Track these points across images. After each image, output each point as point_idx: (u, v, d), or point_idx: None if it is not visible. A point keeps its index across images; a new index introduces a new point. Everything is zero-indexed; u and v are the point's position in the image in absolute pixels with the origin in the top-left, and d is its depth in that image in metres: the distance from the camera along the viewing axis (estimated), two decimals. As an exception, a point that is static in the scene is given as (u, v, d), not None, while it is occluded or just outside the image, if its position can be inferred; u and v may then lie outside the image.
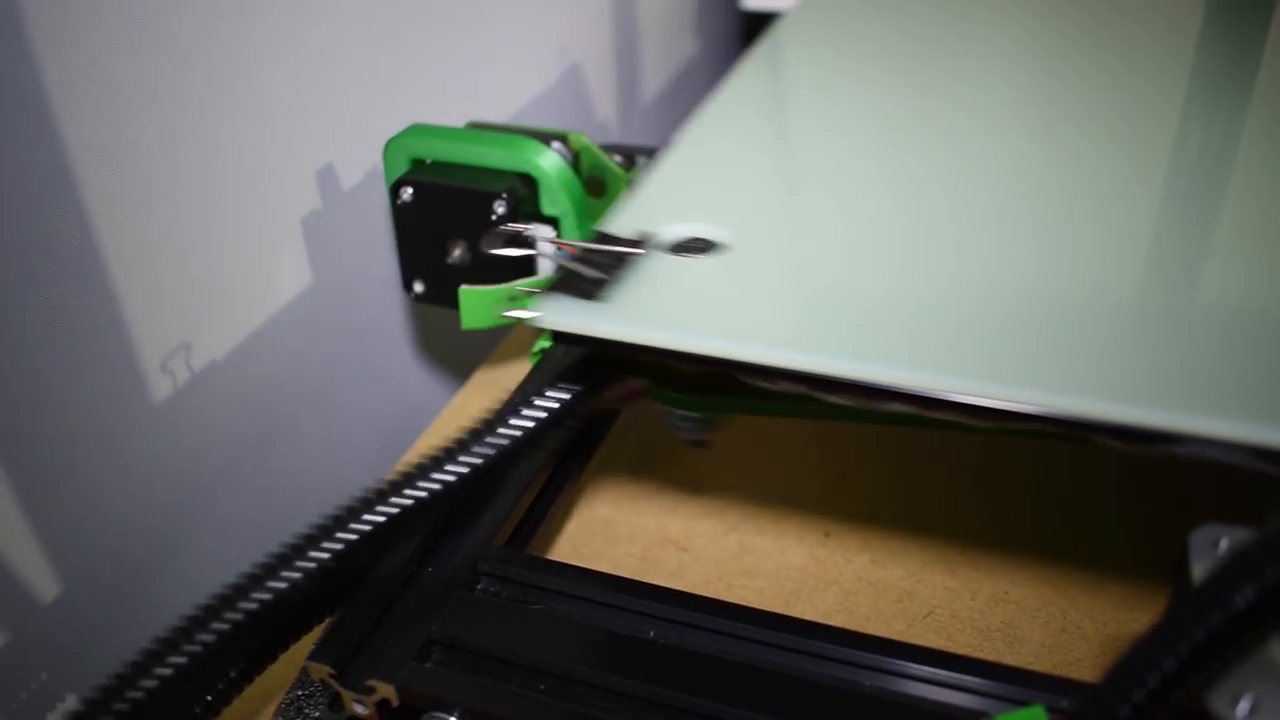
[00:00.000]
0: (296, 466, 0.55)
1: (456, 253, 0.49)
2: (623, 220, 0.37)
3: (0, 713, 0.40)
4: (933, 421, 0.31)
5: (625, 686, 0.32)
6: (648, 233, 0.36)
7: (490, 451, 0.33)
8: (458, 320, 0.48)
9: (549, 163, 0.48)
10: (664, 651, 0.34)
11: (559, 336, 0.33)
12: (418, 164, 0.50)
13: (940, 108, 0.47)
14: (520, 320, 0.33)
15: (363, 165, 0.56)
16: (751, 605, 0.35)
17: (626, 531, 0.46)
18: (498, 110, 0.66)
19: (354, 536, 0.32)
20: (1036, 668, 0.37)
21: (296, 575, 0.32)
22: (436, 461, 0.33)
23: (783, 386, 0.31)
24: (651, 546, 0.45)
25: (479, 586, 0.37)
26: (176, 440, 0.47)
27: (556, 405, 0.35)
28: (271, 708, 0.39)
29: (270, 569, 0.32)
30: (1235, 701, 0.24)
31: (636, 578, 0.37)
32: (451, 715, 0.32)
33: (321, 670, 0.33)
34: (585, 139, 0.51)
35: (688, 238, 0.36)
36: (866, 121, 0.46)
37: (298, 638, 0.34)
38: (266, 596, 0.31)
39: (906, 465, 0.49)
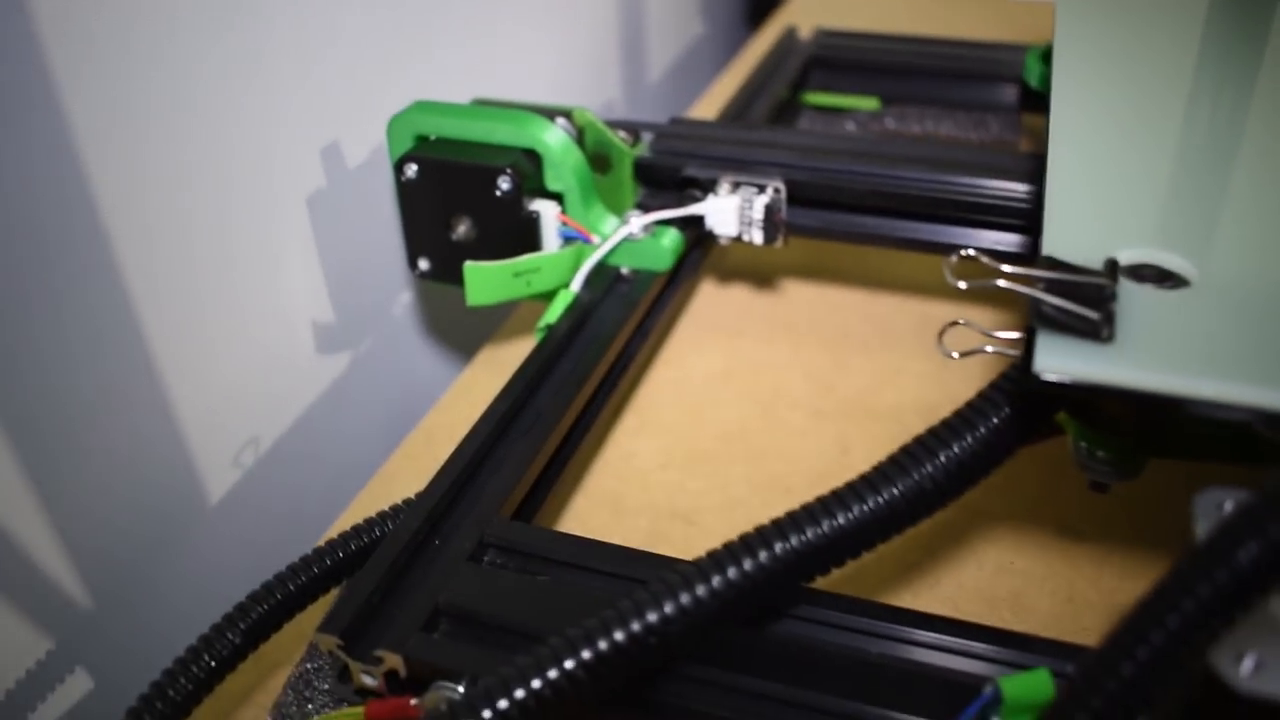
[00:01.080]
0: (304, 444, 0.55)
1: (461, 229, 0.49)
2: (1062, 243, 0.32)
3: (12, 686, 0.41)
4: None
5: (632, 655, 0.33)
6: (1107, 259, 0.31)
7: (919, 486, 0.31)
8: (463, 297, 0.48)
9: (553, 138, 0.48)
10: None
11: (1054, 385, 0.28)
12: (422, 141, 0.50)
13: None
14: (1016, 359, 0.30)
15: (368, 143, 0.56)
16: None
17: (633, 505, 0.46)
18: (503, 87, 0.66)
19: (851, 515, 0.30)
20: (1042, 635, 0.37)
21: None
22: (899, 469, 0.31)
23: None
24: (658, 520, 0.45)
25: (486, 558, 0.37)
26: (184, 420, 0.47)
27: (992, 445, 0.31)
28: (280, 681, 0.40)
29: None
30: (1239, 660, 0.24)
31: (641, 549, 0.37)
32: (459, 686, 0.33)
33: (330, 642, 0.33)
34: (590, 114, 0.51)
35: (1140, 264, 0.32)
36: (1227, 94, 0.41)
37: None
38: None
39: (911, 437, 0.49)
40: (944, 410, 0.50)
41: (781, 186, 0.50)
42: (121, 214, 0.42)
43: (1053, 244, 0.32)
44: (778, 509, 0.45)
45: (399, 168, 0.49)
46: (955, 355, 0.33)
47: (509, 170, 0.47)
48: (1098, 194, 0.35)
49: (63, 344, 0.40)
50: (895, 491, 0.31)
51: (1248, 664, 0.24)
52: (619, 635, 0.28)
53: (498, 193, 0.47)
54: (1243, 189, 0.35)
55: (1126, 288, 0.30)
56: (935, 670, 0.32)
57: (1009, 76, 0.70)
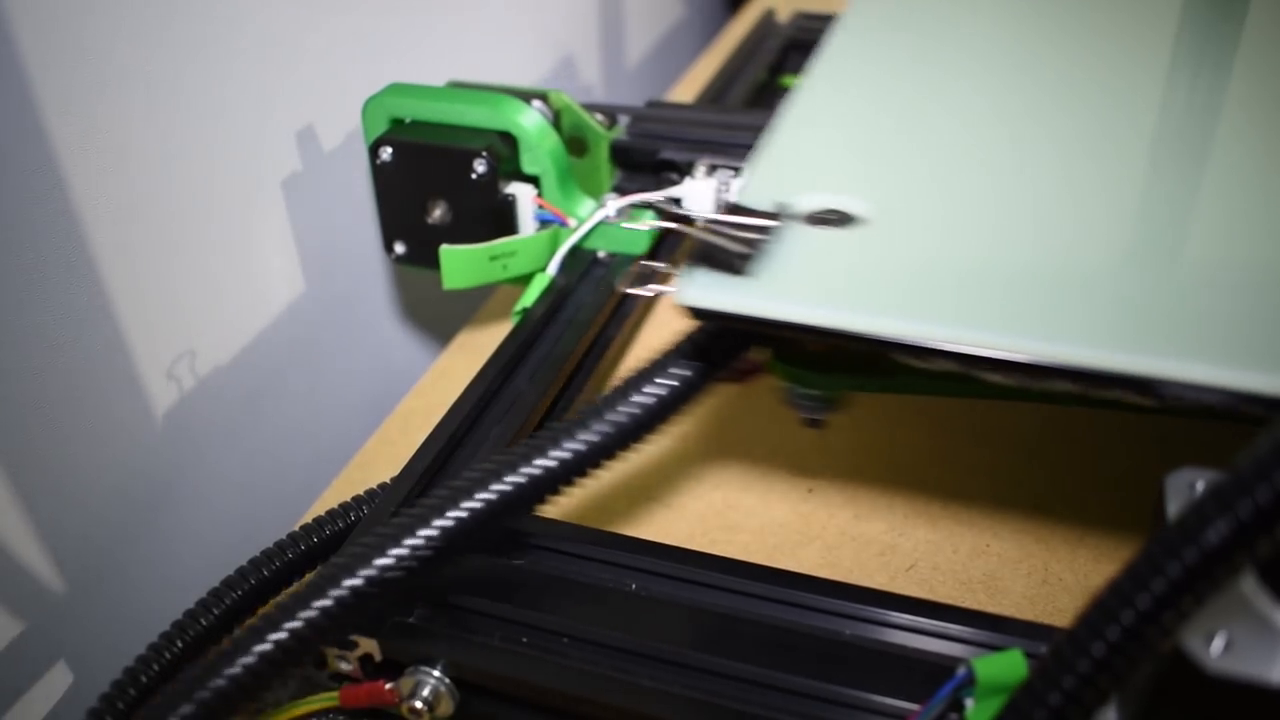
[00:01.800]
0: (281, 430, 0.55)
1: (437, 213, 0.49)
2: (753, 191, 0.35)
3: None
4: (1090, 401, 0.29)
5: (608, 638, 0.33)
6: (782, 203, 0.34)
7: (609, 429, 0.32)
8: (439, 281, 0.48)
9: (529, 121, 0.48)
10: (646, 603, 0.34)
11: (698, 314, 0.30)
12: (397, 124, 0.50)
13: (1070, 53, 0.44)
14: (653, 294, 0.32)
15: (343, 126, 0.55)
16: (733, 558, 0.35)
17: (609, 489, 0.46)
18: (480, 70, 0.66)
19: (477, 505, 0.32)
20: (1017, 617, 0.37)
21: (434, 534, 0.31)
22: (554, 437, 0.32)
23: (938, 365, 0.29)
24: (635, 503, 0.45)
25: (461, 542, 0.37)
26: (159, 406, 0.47)
27: (678, 383, 0.33)
28: (256, 666, 0.40)
29: (393, 537, 0.31)
30: (1209, 639, 0.24)
31: (618, 532, 0.37)
32: (435, 669, 0.33)
33: (304, 626, 0.33)
34: (566, 97, 0.51)
35: (823, 209, 0.34)
36: (987, 69, 0.43)
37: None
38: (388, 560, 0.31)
39: (889, 420, 0.49)
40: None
41: (758, 169, 0.50)
42: (94, 197, 0.42)
43: (751, 191, 0.34)
44: (755, 491, 0.45)
45: (374, 151, 0.48)
46: (625, 290, 0.34)
47: (484, 153, 0.47)
48: (807, 147, 0.38)
49: (36, 327, 0.40)
50: (606, 429, 0.32)
51: (1218, 643, 0.24)
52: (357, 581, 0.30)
53: (473, 176, 0.47)
54: (942, 148, 0.38)
55: (796, 229, 0.33)
56: (909, 652, 0.32)
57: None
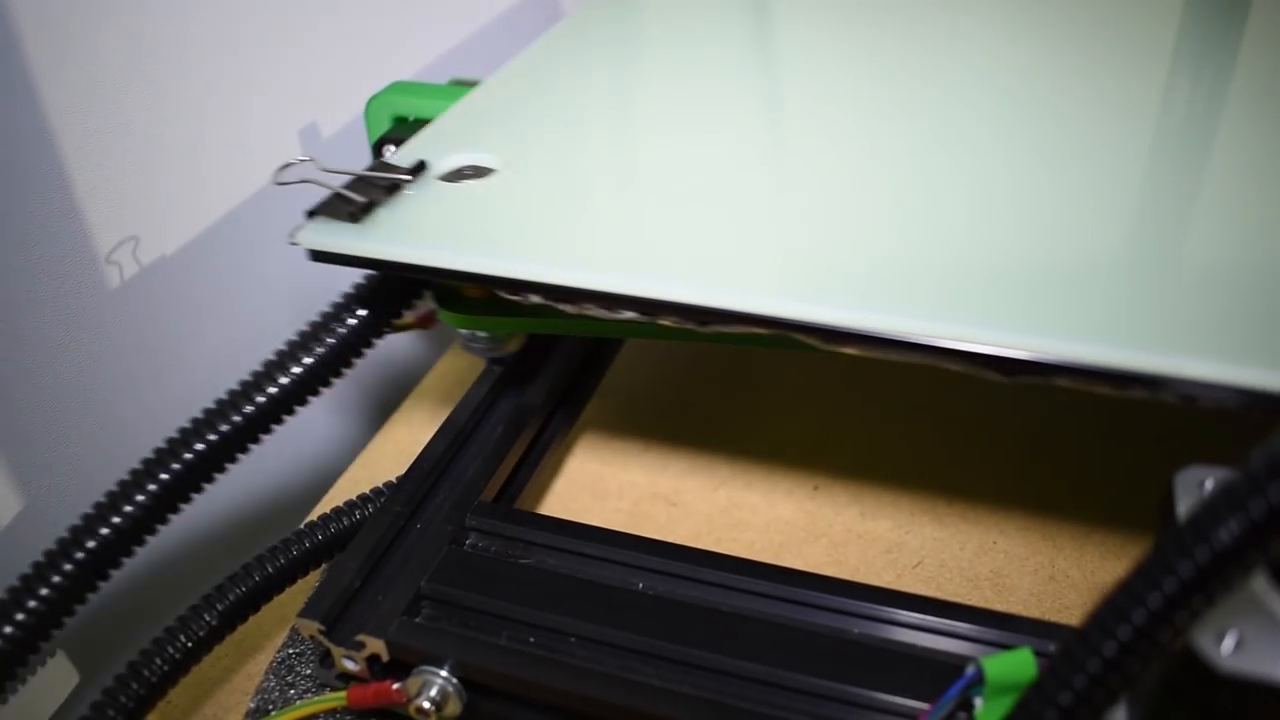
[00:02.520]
0: (284, 428, 0.55)
1: (441, 210, 0.49)
2: (406, 152, 0.38)
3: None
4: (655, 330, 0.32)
5: (615, 638, 0.33)
6: (425, 161, 0.37)
7: (291, 378, 0.35)
8: (443, 279, 0.48)
9: (533, 118, 0.48)
10: (653, 602, 0.34)
11: (319, 256, 0.34)
12: (400, 122, 0.49)
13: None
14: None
15: (346, 124, 0.55)
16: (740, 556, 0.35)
17: (615, 487, 0.46)
18: (481, 68, 0.66)
19: (171, 474, 0.33)
20: (1025, 615, 0.37)
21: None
22: (245, 391, 0.35)
23: (530, 299, 0.32)
24: (640, 502, 0.45)
25: (468, 541, 0.37)
26: (162, 407, 0.47)
27: (350, 330, 0.36)
28: (262, 666, 0.40)
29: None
30: (1220, 638, 0.24)
31: (624, 531, 0.37)
32: (442, 669, 0.32)
33: (311, 627, 0.33)
34: (569, 94, 0.51)
35: (464, 166, 0.37)
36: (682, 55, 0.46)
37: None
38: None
39: (894, 418, 0.49)
40: (926, 393, 0.50)
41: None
42: (96, 197, 0.42)
43: (402, 153, 0.38)
44: (760, 490, 0.45)
45: (378, 149, 0.48)
46: (278, 182, 0.37)
47: (488, 151, 0.47)
48: (478, 118, 0.41)
49: (38, 326, 0.40)
50: (272, 391, 0.35)
51: (1228, 643, 0.24)
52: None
53: (477, 173, 0.47)
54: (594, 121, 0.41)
55: (429, 183, 0.36)
56: (917, 650, 0.32)
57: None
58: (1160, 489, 0.29)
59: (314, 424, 0.57)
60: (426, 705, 0.32)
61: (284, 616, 0.40)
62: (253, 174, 0.50)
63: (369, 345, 0.36)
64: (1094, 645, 0.23)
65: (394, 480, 0.39)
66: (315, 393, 0.35)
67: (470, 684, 0.33)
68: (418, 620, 0.34)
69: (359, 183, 0.36)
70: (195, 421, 0.34)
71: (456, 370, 0.55)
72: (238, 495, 0.52)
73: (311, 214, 0.35)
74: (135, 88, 0.43)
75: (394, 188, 0.36)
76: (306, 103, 0.52)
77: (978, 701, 0.28)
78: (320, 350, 0.35)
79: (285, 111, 0.51)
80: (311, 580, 0.40)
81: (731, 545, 0.43)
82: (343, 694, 0.34)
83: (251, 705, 0.37)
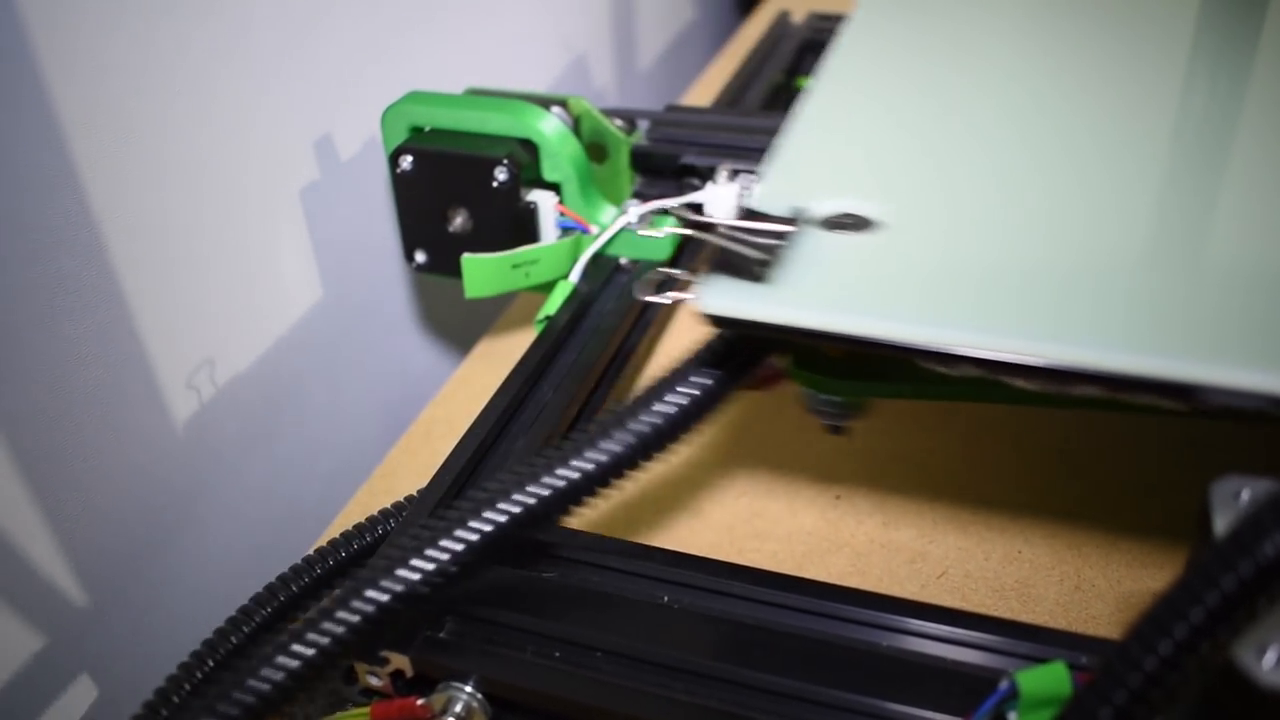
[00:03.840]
0: (302, 439, 0.55)
1: (458, 221, 0.49)
2: (767, 196, 0.34)
3: (8, 686, 0.40)
4: (1113, 404, 0.28)
5: (640, 651, 0.32)
6: (797, 208, 0.33)
7: (631, 439, 0.32)
8: (460, 289, 0.47)
9: (550, 128, 0.48)
10: (678, 616, 0.34)
11: (717, 322, 0.30)
12: (417, 132, 0.49)
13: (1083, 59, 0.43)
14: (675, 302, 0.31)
15: (361, 135, 0.55)
16: (764, 568, 0.35)
17: (636, 497, 0.46)
18: (494, 76, 0.66)
19: (500, 518, 0.31)
20: (1052, 626, 0.37)
21: (458, 548, 0.31)
22: (576, 448, 0.32)
23: (961, 371, 0.28)
24: (661, 512, 0.45)
25: (491, 555, 0.36)
26: (181, 417, 0.47)
27: (699, 392, 0.33)
28: (284, 681, 0.39)
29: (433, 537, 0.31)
30: (1262, 652, 0.23)
31: (647, 544, 0.36)
32: (466, 685, 0.32)
33: (334, 642, 0.33)
34: (586, 103, 0.51)
35: (840, 213, 0.33)
36: (998, 69, 0.43)
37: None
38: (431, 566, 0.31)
39: (915, 425, 0.48)
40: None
41: (781, 174, 0.50)
42: (112, 208, 0.41)
43: (766, 197, 0.34)
44: (781, 499, 0.45)
45: (394, 159, 0.48)
46: (644, 298, 0.34)
47: (506, 160, 0.46)
48: (820, 151, 0.37)
49: (56, 339, 0.40)
50: (628, 439, 0.32)
51: (1270, 657, 0.23)
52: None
53: (494, 183, 0.47)
54: (954, 150, 0.37)
55: (811, 234, 0.32)
56: (947, 663, 0.31)
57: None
58: (1189, 497, 0.28)
59: (330, 435, 0.57)
60: (451, 721, 0.32)
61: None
62: (265, 180, 0.50)
63: (715, 408, 0.33)
64: (1135, 659, 0.23)
65: (414, 494, 0.39)
66: (653, 457, 0.33)
67: (495, 699, 0.32)
68: (442, 635, 0.34)
69: (737, 233, 0.32)
70: (519, 475, 0.32)
71: (474, 382, 0.55)
72: (255, 508, 0.52)
73: (708, 273, 0.31)
74: (152, 98, 0.42)
75: (779, 240, 0.32)
76: (320, 113, 0.52)
77: (1012, 715, 0.28)
78: (669, 411, 0.32)
79: (299, 121, 0.51)
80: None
81: (754, 555, 0.43)
82: (367, 710, 0.34)
83: (274, 721, 0.37)
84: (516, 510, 0.31)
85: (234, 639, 0.35)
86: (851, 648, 0.32)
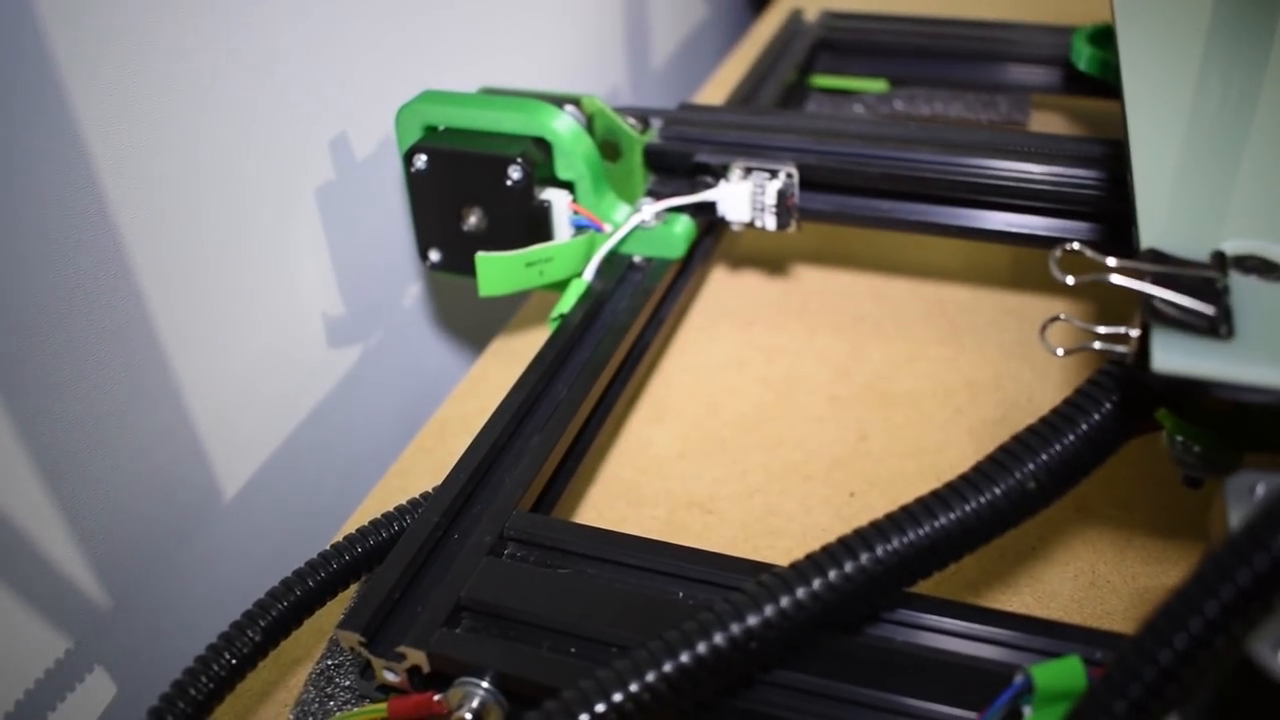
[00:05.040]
0: (317, 436, 0.55)
1: (472, 219, 0.49)
2: (1164, 236, 0.31)
3: (31, 685, 0.40)
4: None
5: (656, 647, 0.32)
6: (1213, 251, 0.30)
7: (1015, 486, 0.30)
8: (474, 288, 0.48)
9: (563, 126, 0.48)
10: (694, 612, 0.34)
11: (1178, 383, 0.27)
12: (431, 131, 0.49)
13: None
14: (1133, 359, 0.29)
15: (376, 134, 0.55)
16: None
17: (650, 495, 0.46)
18: (506, 75, 0.66)
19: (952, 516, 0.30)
20: (1066, 621, 0.37)
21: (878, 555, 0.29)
22: (948, 496, 0.30)
23: None
24: (676, 510, 0.45)
25: (506, 551, 0.37)
26: (198, 415, 0.47)
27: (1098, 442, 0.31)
28: (301, 680, 0.40)
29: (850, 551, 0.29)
30: (1278, 646, 0.23)
31: (662, 540, 0.37)
32: (483, 680, 0.32)
33: (351, 638, 0.33)
34: (599, 102, 0.51)
35: (1244, 254, 0.31)
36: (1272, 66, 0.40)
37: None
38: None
39: (929, 423, 0.48)
40: (960, 396, 0.50)
41: (794, 171, 0.50)
42: (130, 210, 0.42)
43: (1150, 236, 0.31)
44: (795, 496, 0.45)
45: (408, 158, 0.48)
46: (1060, 353, 0.32)
47: (519, 159, 0.47)
48: (1187, 182, 0.34)
49: (74, 340, 0.40)
50: (997, 491, 0.30)
51: (1287, 650, 0.23)
52: (718, 639, 0.28)
53: (508, 182, 0.47)
54: None
55: (1237, 281, 0.29)
56: (962, 658, 0.31)
57: (1018, 56, 0.70)
58: (1203, 492, 0.28)
59: (345, 432, 0.57)
60: (468, 716, 0.32)
61: (321, 629, 0.40)
62: (281, 180, 0.50)
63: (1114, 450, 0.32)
64: (1150, 653, 0.23)
65: (430, 491, 0.39)
66: (1049, 502, 0.31)
67: (511, 694, 0.33)
68: (458, 631, 0.34)
69: (1164, 280, 0.29)
70: (928, 501, 0.30)
71: (488, 379, 0.55)
72: (271, 506, 0.52)
73: (1155, 326, 0.28)
74: (169, 99, 0.43)
75: (1211, 286, 0.29)
76: (336, 112, 0.52)
77: (1026, 710, 0.28)
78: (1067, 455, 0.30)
79: (314, 121, 0.51)
80: (349, 593, 0.40)
81: (768, 553, 0.43)
82: (383, 705, 0.34)
83: (291, 717, 0.37)
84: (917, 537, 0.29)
85: (250, 633, 0.35)
86: (865, 643, 0.32)
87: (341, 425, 0.57)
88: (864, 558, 0.29)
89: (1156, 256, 0.30)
